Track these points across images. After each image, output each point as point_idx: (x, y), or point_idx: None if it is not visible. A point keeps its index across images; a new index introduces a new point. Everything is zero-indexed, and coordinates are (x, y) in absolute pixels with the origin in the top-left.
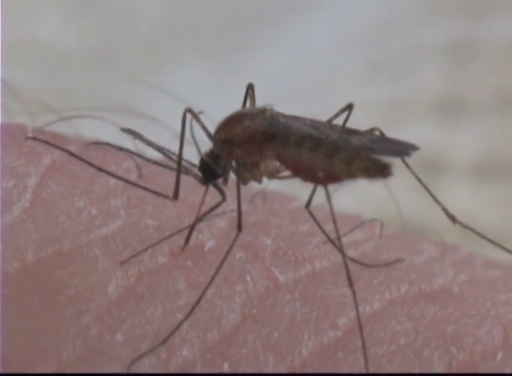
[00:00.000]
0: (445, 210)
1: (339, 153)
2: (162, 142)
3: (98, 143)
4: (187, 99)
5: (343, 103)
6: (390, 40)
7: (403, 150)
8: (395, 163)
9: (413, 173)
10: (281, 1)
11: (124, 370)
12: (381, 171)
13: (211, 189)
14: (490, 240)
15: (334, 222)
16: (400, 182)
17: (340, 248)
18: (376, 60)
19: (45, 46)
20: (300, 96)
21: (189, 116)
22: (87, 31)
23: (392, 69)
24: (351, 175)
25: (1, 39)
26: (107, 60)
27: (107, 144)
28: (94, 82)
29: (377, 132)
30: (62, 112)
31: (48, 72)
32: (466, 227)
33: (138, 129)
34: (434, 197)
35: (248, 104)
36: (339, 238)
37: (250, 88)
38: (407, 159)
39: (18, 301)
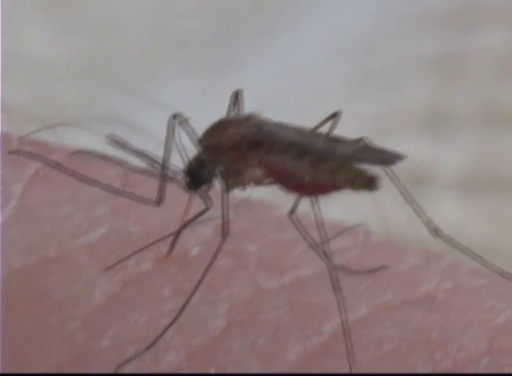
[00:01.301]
0: (427, 223)
1: (325, 162)
2: (146, 151)
3: (82, 152)
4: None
5: None
6: (377, 53)
7: (388, 158)
8: (383, 174)
9: (398, 185)
10: (268, 15)
11: None
12: (367, 183)
13: (196, 197)
14: (473, 254)
15: (319, 228)
16: (385, 195)
17: (323, 255)
18: (362, 74)
19: (31, 59)
20: (287, 109)
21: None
22: (74, 44)
23: (379, 82)
24: (336, 185)
25: None
26: (94, 73)
27: (91, 153)
28: (80, 95)
29: (363, 142)
30: (47, 121)
31: (34, 84)
32: (447, 242)
33: (123, 138)
34: (417, 210)
35: (235, 111)
36: (324, 244)
37: (237, 95)
38: (393, 169)
39: (3, 308)
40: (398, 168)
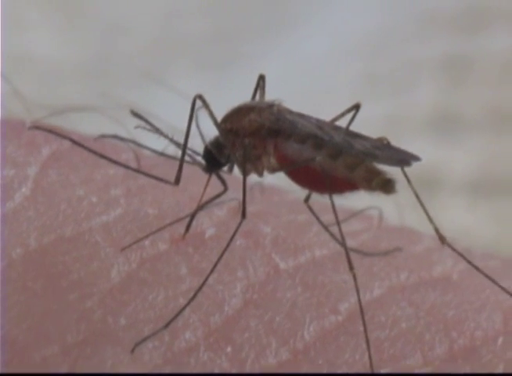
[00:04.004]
0: (436, 230)
1: (342, 156)
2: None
3: (105, 136)
4: (182, 110)
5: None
6: (385, 55)
7: (404, 158)
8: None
9: (412, 188)
10: (275, 14)
11: (127, 354)
12: (384, 185)
13: (211, 180)
14: (477, 268)
15: (333, 207)
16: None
17: (336, 236)
18: (370, 75)
19: (39, 61)
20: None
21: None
22: (81, 45)
23: (387, 84)
24: (351, 183)
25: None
26: (102, 73)
27: (114, 137)
28: (88, 96)
29: (384, 141)
30: (58, 108)
31: (42, 86)
32: (454, 250)
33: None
34: (427, 215)
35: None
36: (339, 225)
37: (261, 80)
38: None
39: (22, 286)
40: (408, 169)
